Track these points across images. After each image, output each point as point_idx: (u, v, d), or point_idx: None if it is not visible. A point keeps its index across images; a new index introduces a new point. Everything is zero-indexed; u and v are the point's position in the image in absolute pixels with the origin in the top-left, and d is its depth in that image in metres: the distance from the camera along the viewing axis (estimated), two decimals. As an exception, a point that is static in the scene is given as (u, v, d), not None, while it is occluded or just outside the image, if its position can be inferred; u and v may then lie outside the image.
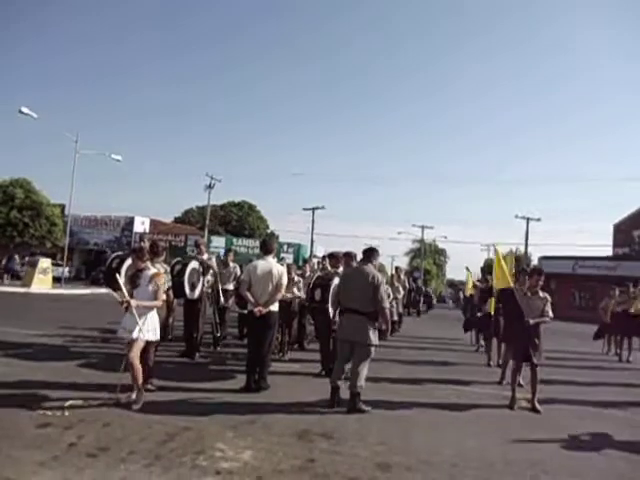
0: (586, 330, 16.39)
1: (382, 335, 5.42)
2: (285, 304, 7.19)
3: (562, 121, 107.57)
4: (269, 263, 5.68)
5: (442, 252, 66.89)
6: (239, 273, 8.47)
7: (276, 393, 5.38)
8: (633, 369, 9.46)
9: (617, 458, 4.13)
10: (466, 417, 5.11)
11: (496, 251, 7.74)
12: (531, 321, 5.58)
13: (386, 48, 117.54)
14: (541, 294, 5.79)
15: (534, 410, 5.44)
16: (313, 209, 41.71)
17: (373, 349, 5.21)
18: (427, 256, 57.19)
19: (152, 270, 4.74)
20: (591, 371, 8.86)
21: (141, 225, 36.45)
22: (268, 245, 5.91)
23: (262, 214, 53.35)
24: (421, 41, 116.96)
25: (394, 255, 60.02)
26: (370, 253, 5.50)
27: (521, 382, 6.21)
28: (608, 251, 38.67)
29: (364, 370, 5.12)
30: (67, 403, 4.41)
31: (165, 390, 5.19)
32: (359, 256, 7.33)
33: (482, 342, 10.62)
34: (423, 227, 48.37)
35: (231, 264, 8.79)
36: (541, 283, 5.84)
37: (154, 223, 38.59)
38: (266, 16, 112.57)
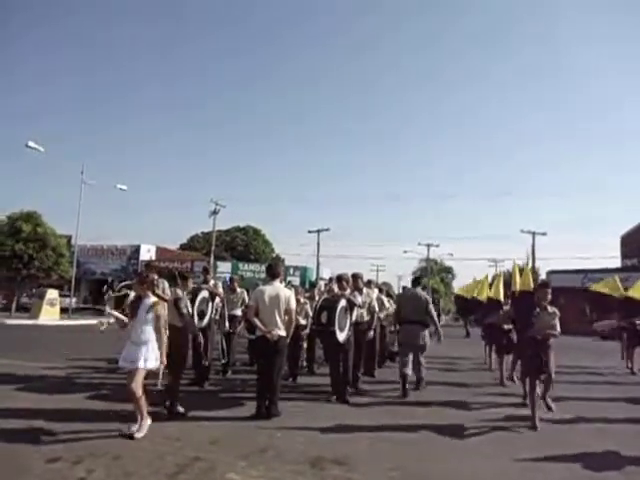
0: (598, 345, 16.19)
1: (433, 338, 8.06)
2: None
3: (566, 134, 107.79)
4: (276, 288, 5.67)
5: (449, 270, 66.65)
6: (247, 298, 8.46)
7: (287, 419, 5.30)
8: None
9: (637, 475, 4.03)
10: (481, 439, 5.00)
11: (525, 265, 7.52)
12: (535, 331, 5.58)
13: (393, 60, 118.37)
14: (550, 309, 5.74)
15: (547, 407, 5.39)
16: (318, 231, 41.72)
17: (427, 345, 7.50)
18: (433, 275, 56.95)
19: (152, 298, 4.73)
20: (604, 386, 8.70)
21: (147, 253, 36.65)
22: (274, 269, 5.90)
23: (267, 238, 53.53)
24: (423, 54, 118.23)
25: (401, 275, 59.87)
26: (417, 280, 8.31)
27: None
28: (617, 263, 38.38)
29: (423, 361, 7.51)
30: None
31: (175, 420, 5.14)
32: (365, 277, 7.79)
33: (493, 357, 10.48)
34: (429, 245, 48.35)
35: (238, 289, 8.79)
36: (549, 297, 5.79)
37: (160, 250, 38.79)
38: (266, 36, 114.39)
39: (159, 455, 3.99)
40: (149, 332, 4.59)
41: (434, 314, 7.46)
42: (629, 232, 40.99)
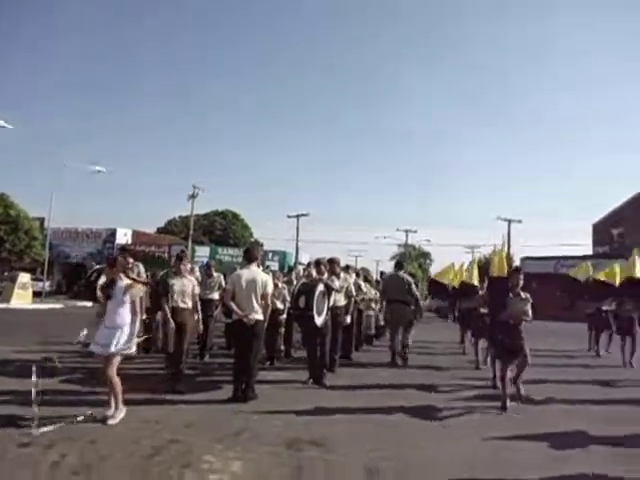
0: (569, 329, 16.63)
1: (416, 316, 9.13)
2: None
3: (541, 121, 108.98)
4: (253, 272, 5.65)
5: (427, 255, 67.24)
6: (224, 282, 8.40)
7: (264, 402, 5.33)
8: (617, 366, 9.54)
9: (606, 455, 4.16)
10: (456, 421, 5.11)
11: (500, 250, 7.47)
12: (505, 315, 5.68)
13: (392, 50, 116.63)
14: (522, 295, 5.84)
15: (517, 391, 5.43)
16: (297, 216, 41.53)
17: (414, 320, 8.94)
18: (411, 260, 57.44)
19: (125, 281, 4.65)
20: (576, 369, 8.96)
21: (123, 237, 36.06)
22: (251, 253, 5.87)
23: (246, 222, 53.11)
24: (416, 48, 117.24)
25: (379, 260, 60.17)
26: (400, 264, 9.65)
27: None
28: (588, 250, 39.26)
29: (411, 332, 9.00)
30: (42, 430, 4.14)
31: (151, 403, 5.11)
32: (344, 262, 7.96)
33: (467, 341, 10.68)
34: (407, 231, 48.61)
35: (215, 274, 8.71)
36: (521, 282, 5.89)
37: (137, 234, 38.20)
38: (266, 23, 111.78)
39: (135, 439, 3.97)
40: (124, 316, 4.53)
41: (417, 294, 8.64)
42: (600, 220, 41.96)
